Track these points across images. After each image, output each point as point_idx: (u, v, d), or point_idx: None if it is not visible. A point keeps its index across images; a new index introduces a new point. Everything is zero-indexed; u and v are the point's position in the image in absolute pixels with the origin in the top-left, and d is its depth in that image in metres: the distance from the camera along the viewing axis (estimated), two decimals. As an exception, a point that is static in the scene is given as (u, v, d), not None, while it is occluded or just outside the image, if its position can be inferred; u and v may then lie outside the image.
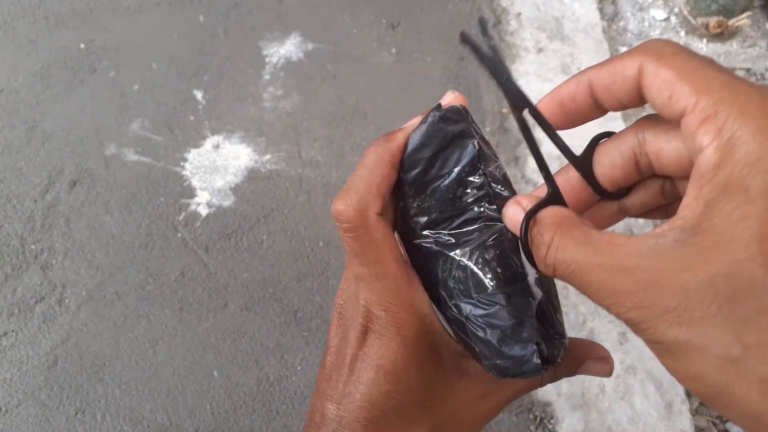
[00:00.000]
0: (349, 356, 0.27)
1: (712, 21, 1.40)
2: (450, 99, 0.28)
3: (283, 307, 1.11)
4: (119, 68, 1.46)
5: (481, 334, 0.26)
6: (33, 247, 1.21)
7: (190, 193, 1.26)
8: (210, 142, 1.33)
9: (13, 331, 1.11)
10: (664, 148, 0.24)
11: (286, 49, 1.47)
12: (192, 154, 1.31)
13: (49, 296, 1.15)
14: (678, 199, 0.25)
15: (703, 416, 0.97)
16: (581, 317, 1.04)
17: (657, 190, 0.26)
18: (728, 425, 0.97)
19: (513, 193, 0.28)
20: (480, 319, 0.26)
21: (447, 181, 0.28)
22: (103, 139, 1.35)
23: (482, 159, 0.28)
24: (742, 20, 1.40)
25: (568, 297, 1.06)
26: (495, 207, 0.27)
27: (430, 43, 1.45)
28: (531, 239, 0.24)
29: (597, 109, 0.25)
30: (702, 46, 1.44)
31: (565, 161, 0.27)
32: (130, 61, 1.47)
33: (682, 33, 1.47)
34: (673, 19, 1.50)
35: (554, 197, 0.25)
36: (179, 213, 1.23)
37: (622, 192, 0.27)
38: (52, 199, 1.27)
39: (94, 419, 1.02)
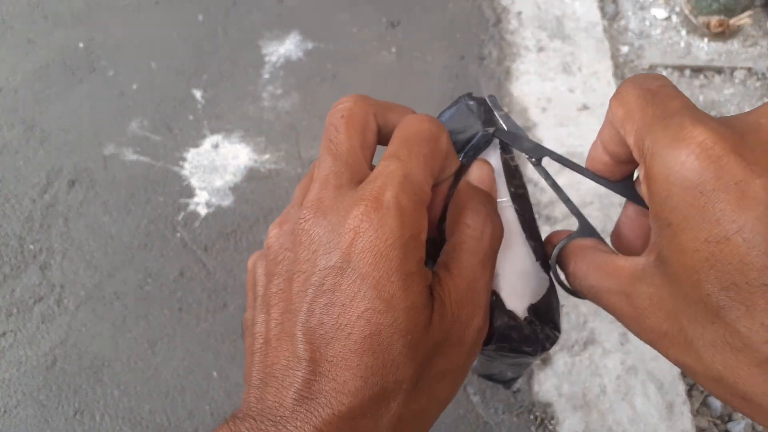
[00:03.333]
0: (319, 274, 0.22)
1: (714, 20, 1.39)
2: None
3: (283, 307, 1.11)
4: (118, 67, 1.46)
5: None
6: (31, 247, 1.20)
7: (189, 192, 1.26)
8: (209, 141, 1.33)
9: (11, 331, 1.11)
10: None
11: (286, 48, 1.46)
12: (191, 154, 1.31)
13: (47, 296, 1.14)
14: None
15: (704, 417, 0.97)
16: (582, 317, 1.03)
17: None
18: (730, 425, 0.97)
19: (519, 185, 0.30)
20: None
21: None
22: (102, 138, 1.34)
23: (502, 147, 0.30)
24: (744, 19, 1.39)
25: (569, 297, 1.06)
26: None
27: (431, 42, 1.45)
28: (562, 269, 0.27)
29: (625, 162, 0.26)
30: (703, 45, 1.43)
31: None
32: (128, 61, 1.47)
33: (683, 32, 1.46)
34: (674, 18, 1.49)
35: (584, 229, 0.27)
36: (178, 213, 1.23)
37: None
38: (50, 198, 1.26)
39: (93, 420, 1.02)
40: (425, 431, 0.24)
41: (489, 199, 0.27)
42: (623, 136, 0.23)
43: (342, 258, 0.22)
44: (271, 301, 0.24)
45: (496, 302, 0.27)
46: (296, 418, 0.21)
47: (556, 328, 0.27)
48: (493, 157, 0.30)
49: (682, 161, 0.19)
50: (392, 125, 0.27)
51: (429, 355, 0.23)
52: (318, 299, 0.22)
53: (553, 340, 0.27)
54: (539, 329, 0.27)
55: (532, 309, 0.27)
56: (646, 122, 0.22)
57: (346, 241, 0.22)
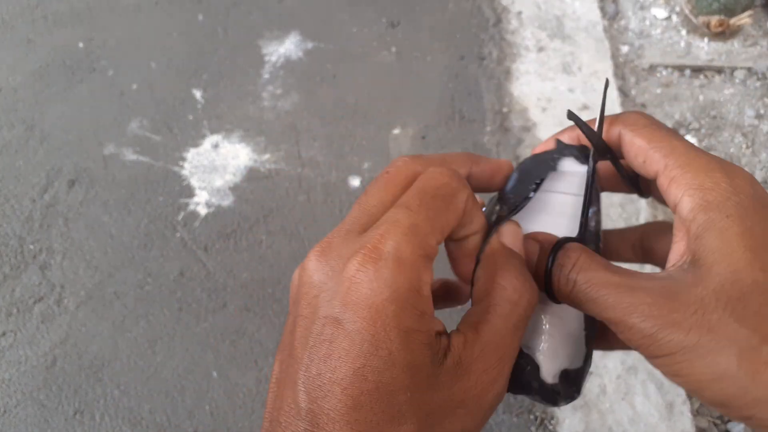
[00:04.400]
0: (319, 322, 0.22)
1: (714, 20, 1.39)
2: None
3: (283, 307, 1.11)
4: (118, 67, 1.46)
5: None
6: (31, 247, 1.20)
7: (189, 192, 1.26)
8: (209, 141, 1.33)
9: (11, 331, 1.11)
10: (655, 246, 0.31)
11: (286, 48, 1.46)
12: (191, 154, 1.31)
13: (47, 296, 1.14)
14: None
15: (704, 417, 0.97)
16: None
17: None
18: (730, 425, 0.97)
19: (596, 242, 0.29)
20: None
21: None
22: (102, 138, 1.34)
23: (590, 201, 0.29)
24: (744, 19, 1.39)
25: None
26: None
27: (431, 42, 1.45)
28: (555, 261, 0.26)
29: None
30: (703, 45, 1.43)
31: None
32: (128, 61, 1.47)
33: (684, 32, 1.46)
34: (674, 18, 1.49)
35: (588, 232, 0.28)
36: (178, 213, 1.23)
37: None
38: (50, 198, 1.26)
39: (93, 420, 1.02)
40: None
41: (524, 263, 0.26)
42: (640, 161, 0.26)
43: (340, 308, 0.21)
44: (285, 340, 0.24)
45: (531, 372, 0.26)
46: None
47: (578, 390, 0.27)
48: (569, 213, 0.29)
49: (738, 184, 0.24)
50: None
51: (437, 413, 0.22)
52: (317, 349, 0.22)
53: (570, 400, 0.27)
54: (563, 390, 0.26)
55: (564, 374, 0.26)
56: (683, 153, 0.25)
57: (344, 290, 0.21)
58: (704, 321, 0.21)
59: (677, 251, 0.24)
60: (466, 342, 0.23)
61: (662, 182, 0.25)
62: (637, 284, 0.23)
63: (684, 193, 0.24)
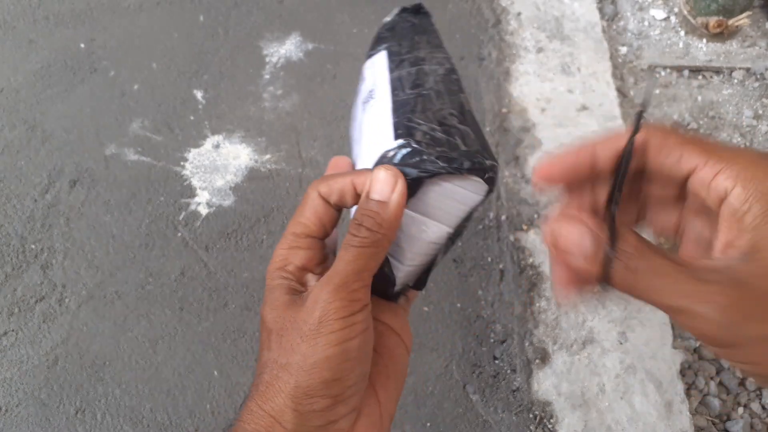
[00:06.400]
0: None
1: (712, 21, 1.40)
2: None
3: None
4: (119, 68, 1.46)
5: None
6: (33, 246, 1.21)
7: (191, 192, 1.26)
8: (210, 141, 1.33)
9: (13, 330, 1.11)
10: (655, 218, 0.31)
11: (286, 48, 1.47)
12: (192, 154, 1.31)
13: (49, 296, 1.15)
14: None
15: (703, 416, 0.97)
16: (581, 316, 1.04)
17: None
18: (728, 425, 0.97)
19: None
20: None
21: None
22: (103, 138, 1.35)
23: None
24: (742, 20, 1.40)
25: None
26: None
27: (430, 43, 1.45)
28: (616, 250, 0.25)
29: (593, 177, 0.29)
30: (702, 46, 1.44)
31: None
32: (130, 61, 1.47)
33: (682, 33, 1.47)
34: (672, 18, 1.50)
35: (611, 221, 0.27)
36: (179, 212, 1.23)
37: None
38: (52, 198, 1.27)
39: (94, 419, 1.02)
40: None
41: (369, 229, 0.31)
42: (675, 158, 0.27)
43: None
44: None
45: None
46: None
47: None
48: None
49: None
50: (345, 189, 0.32)
51: (304, 336, 0.30)
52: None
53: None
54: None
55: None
56: (722, 149, 0.26)
57: None
58: None
59: (725, 239, 0.25)
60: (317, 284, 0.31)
61: (704, 175, 0.26)
62: (700, 275, 0.23)
63: (736, 184, 0.24)
